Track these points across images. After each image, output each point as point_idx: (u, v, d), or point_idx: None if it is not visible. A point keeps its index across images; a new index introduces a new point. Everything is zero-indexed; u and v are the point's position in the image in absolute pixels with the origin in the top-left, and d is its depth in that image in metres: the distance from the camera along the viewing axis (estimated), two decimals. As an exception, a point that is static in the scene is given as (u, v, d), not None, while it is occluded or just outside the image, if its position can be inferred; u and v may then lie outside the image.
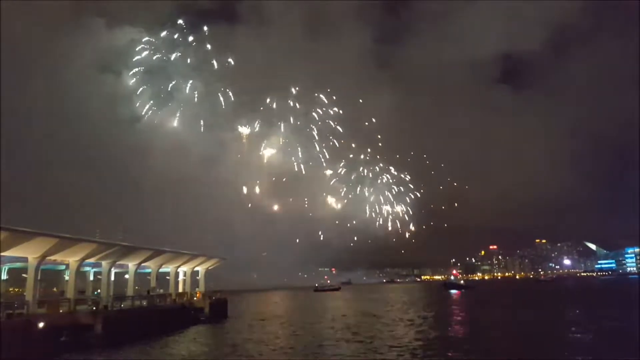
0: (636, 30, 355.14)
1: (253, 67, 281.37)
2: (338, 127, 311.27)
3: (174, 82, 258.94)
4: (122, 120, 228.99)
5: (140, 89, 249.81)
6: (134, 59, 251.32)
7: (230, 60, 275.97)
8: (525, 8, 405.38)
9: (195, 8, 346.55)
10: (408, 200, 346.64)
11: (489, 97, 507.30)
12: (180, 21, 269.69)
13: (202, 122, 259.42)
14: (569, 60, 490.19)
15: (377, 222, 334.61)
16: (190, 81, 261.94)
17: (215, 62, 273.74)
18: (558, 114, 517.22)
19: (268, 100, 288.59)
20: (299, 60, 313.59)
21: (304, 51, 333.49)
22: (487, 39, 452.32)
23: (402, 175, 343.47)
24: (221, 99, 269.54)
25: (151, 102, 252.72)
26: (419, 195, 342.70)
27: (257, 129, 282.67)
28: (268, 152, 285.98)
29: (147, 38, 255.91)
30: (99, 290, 46.12)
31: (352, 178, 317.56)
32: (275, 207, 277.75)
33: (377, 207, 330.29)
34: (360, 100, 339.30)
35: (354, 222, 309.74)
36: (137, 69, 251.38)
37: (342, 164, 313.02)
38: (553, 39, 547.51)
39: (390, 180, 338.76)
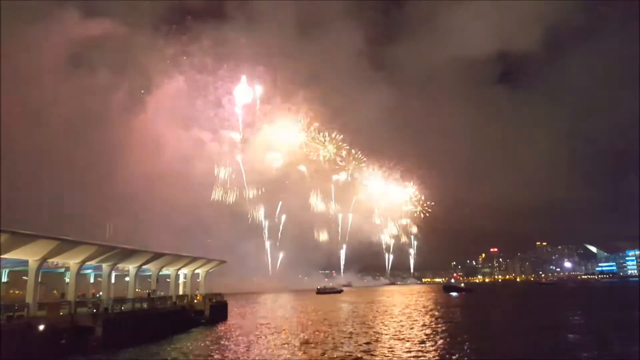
0: (636, 29, 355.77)
1: (242, 70, 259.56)
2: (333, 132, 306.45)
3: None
4: (94, 117, 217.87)
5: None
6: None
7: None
8: (520, 6, 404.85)
9: (181, 7, 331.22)
10: (407, 204, 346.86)
11: (486, 97, 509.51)
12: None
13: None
14: (567, 59, 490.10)
15: (376, 226, 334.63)
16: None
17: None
18: (557, 114, 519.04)
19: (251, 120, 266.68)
20: (290, 61, 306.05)
21: (295, 52, 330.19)
22: (482, 38, 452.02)
23: (403, 186, 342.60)
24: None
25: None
26: (418, 198, 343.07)
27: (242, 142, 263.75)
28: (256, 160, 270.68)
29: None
30: (100, 293, 46.10)
31: (348, 191, 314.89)
32: (271, 210, 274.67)
33: (375, 214, 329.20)
34: (354, 103, 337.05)
35: (354, 225, 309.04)
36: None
37: (335, 172, 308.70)
38: (550, 38, 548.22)
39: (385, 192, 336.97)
